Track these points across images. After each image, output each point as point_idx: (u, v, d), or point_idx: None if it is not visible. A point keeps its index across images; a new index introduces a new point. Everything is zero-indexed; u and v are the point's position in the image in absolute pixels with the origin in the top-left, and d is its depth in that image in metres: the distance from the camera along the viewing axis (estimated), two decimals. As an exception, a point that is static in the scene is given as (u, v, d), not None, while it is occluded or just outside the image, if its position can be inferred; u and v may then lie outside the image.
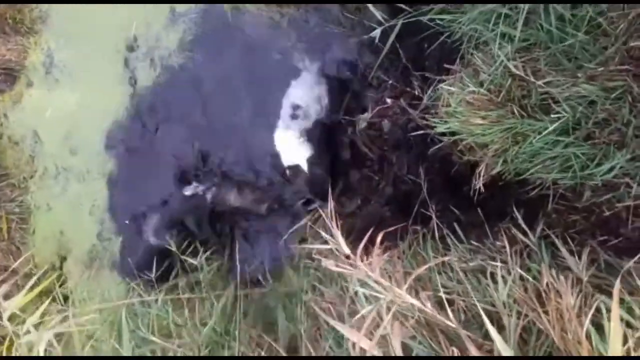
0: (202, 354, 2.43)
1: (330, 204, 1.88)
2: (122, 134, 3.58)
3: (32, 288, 3.81)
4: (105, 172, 3.65)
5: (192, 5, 3.43)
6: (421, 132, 2.27)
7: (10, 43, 3.95)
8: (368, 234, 1.91)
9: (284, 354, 2.22)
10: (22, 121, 3.94)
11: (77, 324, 2.52)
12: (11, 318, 2.15)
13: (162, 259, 3.39)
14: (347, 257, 1.73)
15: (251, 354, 2.35)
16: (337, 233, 1.80)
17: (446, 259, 1.96)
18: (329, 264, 1.77)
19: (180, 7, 3.48)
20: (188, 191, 3.25)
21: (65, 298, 3.62)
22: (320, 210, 1.96)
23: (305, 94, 3.03)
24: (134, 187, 3.61)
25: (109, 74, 3.66)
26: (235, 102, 3.26)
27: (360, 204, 3.09)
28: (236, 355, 2.37)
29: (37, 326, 2.18)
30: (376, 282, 1.69)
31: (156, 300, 2.83)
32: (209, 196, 3.25)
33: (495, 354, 1.40)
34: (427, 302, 1.78)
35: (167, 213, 3.35)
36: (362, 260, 1.72)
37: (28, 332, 2.11)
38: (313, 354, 2.05)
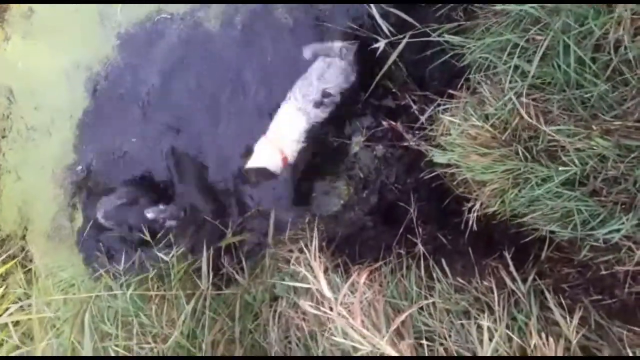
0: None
1: (315, 244, 1.75)
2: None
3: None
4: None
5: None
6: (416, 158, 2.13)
7: (-9, -6, 3.73)
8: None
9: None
10: (-2, 76, 3.82)
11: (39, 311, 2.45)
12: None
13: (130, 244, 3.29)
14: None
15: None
16: (321, 276, 1.67)
17: (429, 301, 1.86)
18: (306, 305, 1.65)
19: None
20: (150, 213, 2.98)
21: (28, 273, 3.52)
22: (306, 251, 1.80)
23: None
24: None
25: (86, 31, 3.49)
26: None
27: (343, 209, 2.98)
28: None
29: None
30: (356, 330, 1.58)
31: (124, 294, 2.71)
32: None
33: None
34: (406, 352, 1.70)
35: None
36: (342, 304, 1.61)
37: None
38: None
